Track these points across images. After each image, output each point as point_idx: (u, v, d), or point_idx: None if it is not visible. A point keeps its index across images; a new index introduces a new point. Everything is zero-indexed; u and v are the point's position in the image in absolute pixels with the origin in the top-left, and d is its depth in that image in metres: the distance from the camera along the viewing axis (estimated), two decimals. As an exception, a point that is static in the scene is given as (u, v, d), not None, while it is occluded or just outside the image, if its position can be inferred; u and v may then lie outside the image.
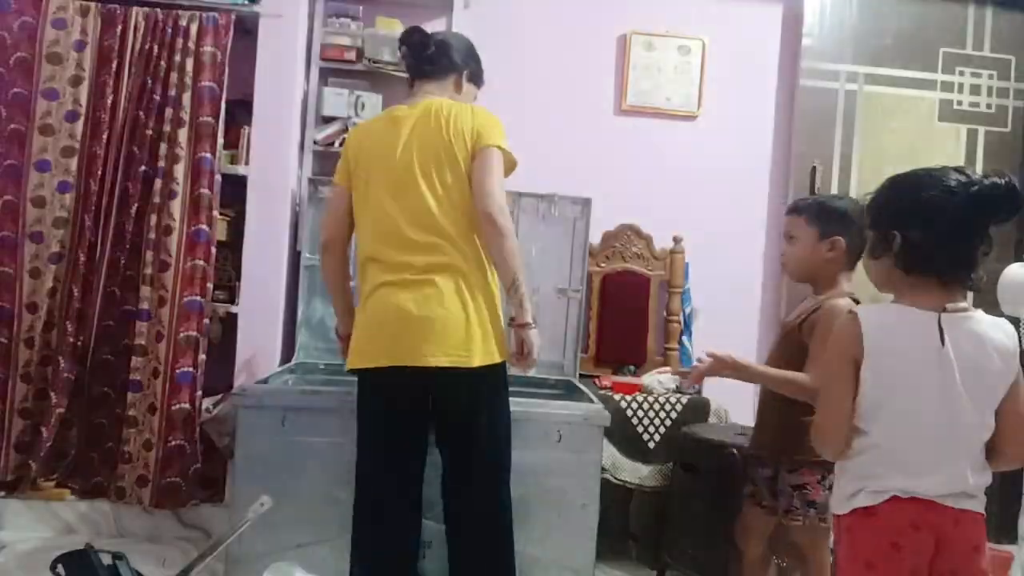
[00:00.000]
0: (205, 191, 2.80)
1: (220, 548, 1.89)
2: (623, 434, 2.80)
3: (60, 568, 1.85)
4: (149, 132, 2.80)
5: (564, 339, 2.99)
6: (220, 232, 2.89)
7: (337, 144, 3.09)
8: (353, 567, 2.01)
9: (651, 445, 2.81)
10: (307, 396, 2.29)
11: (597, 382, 3.05)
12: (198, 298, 2.79)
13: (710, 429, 2.72)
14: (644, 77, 3.38)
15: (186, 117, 2.80)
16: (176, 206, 2.78)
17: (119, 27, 2.79)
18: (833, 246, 1.95)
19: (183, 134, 2.79)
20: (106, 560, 1.86)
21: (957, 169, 1.39)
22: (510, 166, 2.02)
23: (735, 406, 3.09)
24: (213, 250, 2.82)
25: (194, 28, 2.80)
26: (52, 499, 2.77)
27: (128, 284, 2.83)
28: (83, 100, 2.80)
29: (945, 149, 3.40)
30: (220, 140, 2.83)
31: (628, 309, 3.28)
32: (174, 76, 2.79)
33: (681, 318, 3.29)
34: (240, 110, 2.97)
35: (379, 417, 2.00)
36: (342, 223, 2.10)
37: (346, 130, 3.08)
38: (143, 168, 2.79)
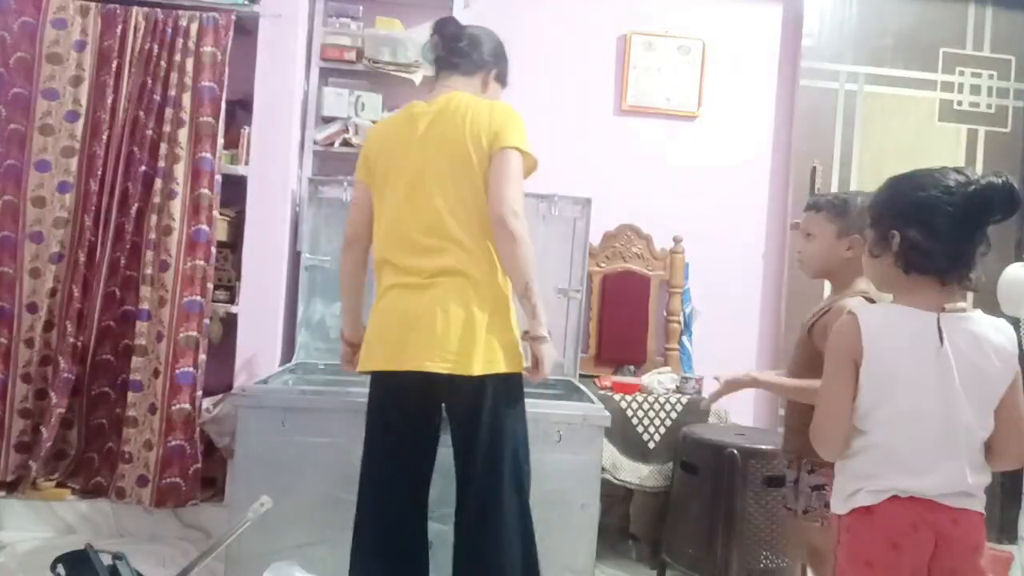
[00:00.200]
0: (205, 191, 2.80)
1: (220, 548, 1.89)
2: (623, 434, 2.80)
3: (60, 568, 1.85)
4: (149, 132, 2.80)
5: (564, 339, 2.98)
6: (220, 232, 2.89)
7: (337, 144, 3.09)
8: (353, 568, 1.98)
9: (651, 445, 2.81)
10: (307, 396, 2.29)
11: (597, 382, 3.05)
12: (198, 298, 2.79)
13: (710, 429, 2.72)
14: (644, 77, 3.38)
15: (186, 117, 2.80)
16: (176, 206, 2.78)
17: (119, 27, 2.79)
18: (852, 245, 1.91)
19: (183, 134, 2.80)
20: (106, 560, 1.85)
21: (956, 169, 1.40)
22: (530, 167, 1.93)
23: (735, 406, 3.09)
24: (213, 250, 2.82)
25: (194, 28, 2.80)
26: (52, 499, 2.77)
27: (128, 284, 2.83)
28: (83, 100, 2.80)
29: (945, 149, 3.40)
30: (220, 140, 2.83)
31: (628, 309, 3.28)
32: (174, 76, 2.79)
33: (681, 318, 3.29)
34: (240, 110, 2.98)
35: (386, 419, 1.97)
36: (363, 221, 2.03)
37: (346, 130, 3.08)
38: (143, 168, 2.80)
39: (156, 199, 2.79)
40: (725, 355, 3.37)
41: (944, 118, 3.42)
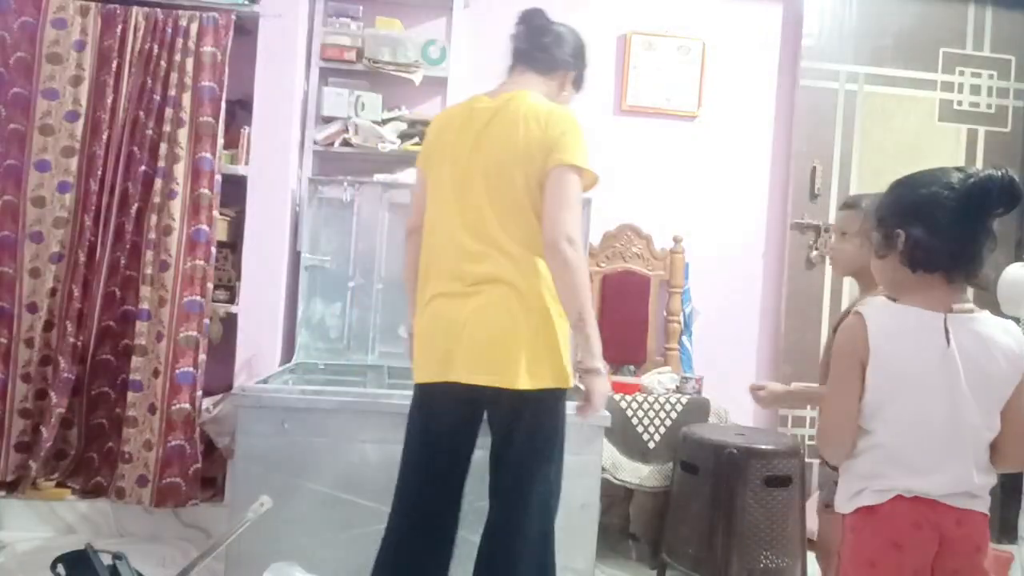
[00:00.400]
0: (205, 191, 2.80)
1: (220, 548, 1.89)
2: (623, 434, 2.80)
3: (60, 568, 1.85)
4: (149, 132, 2.80)
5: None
6: (220, 232, 2.89)
7: (337, 144, 3.09)
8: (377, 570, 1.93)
9: (651, 445, 2.81)
10: (307, 396, 2.29)
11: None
12: (198, 298, 2.79)
13: (710, 429, 2.72)
14: (644, 77, 3.38)
15: (186, 117, 2.80)
16: (176, 206, 2.78)
17: (119, 27, 2.79)
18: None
19: (183, 134, 2.79)
20: (106, 560, 1.85)
21: (958, 168, 1.40)
22: (589, 183, 1.82)
23: (735, 406, 3.09)
24: (213, 250, 2.82)
25: (194, 28, 2.80)
26: (52, 499, 2.77)
27: (128, 284, 2.83)
28: (83, 100, 2.80)
29: (945, 149, 3.40)
30: (220, 140, 2.83)
31: (628, 309, 3.28)
32: (174, 76, 2.79)
33: (681, 318, 3.29)
34: (240, 110, 2.98)
35: (425, 430, 1.90)
36: (422, 210, 1.94)
37: (346, 130, 3.08)
38: (143, 168, 2.80)
39: (156, 199, 2.79)
40: (725, 355, 3.38)
41: (944, 118, 3.42)
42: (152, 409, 2.76)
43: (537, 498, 1.81)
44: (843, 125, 3.39)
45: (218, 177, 2.83)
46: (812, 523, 2.30)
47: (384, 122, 3.11)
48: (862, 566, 1.39)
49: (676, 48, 3.39)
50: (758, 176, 3.47)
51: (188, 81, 2.79)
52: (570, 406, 1.89)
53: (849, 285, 3.35)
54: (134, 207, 2.80)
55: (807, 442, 3.30)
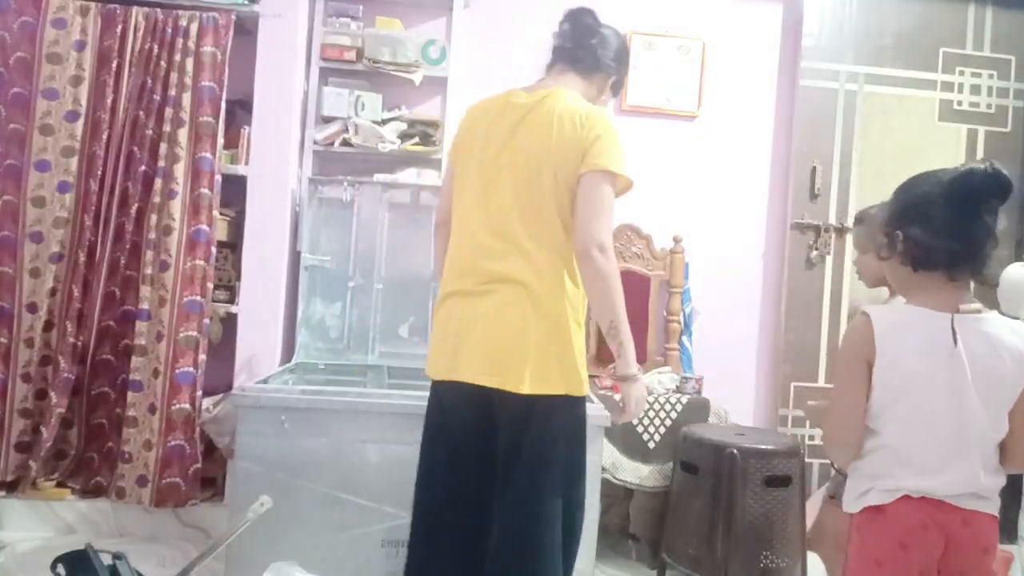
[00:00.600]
0: (205, 191, 2.80)
1: (220, 548, 1.89)
2: (623, 434, 2.80)
3: (60, 568, 1.85)
4: (149, 132, 2.80)
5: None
6: (220, 232, 2.89)
7: (337, 144, 3.09)
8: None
9: (651, 445, 2.81)
10: (307, 396, 2.29)
11: (597, 382, 3.05)
12: (198, 298, 2.79)
13: (710, 429, 2.72)
14: (644, 77, 3.38)
15: (186, 117, 2.80)
16: (176, 206, 2.78)
17: (119, 27, 2.79)
18: None
19: (183, 134, 2.80)
20: (106, 560, 1.85)
21: (955, 168, 1.40)
22: (622, 188, 1.77)
23: (735, 406, 3.10)
24: (213, 250, 2.82)
25: (194, 28, 2.80)
26: (52, 499, 2.77)
27: (128, 284, 2.83)
28: (83, 100, 2.80)
29: (945, 149, 3.40)
30: (220, 140, 2.83)
31: (628, 309, 3.23)
32: (174, 76, 2.79)
33: (681, 318, 3.29)
34: (240, 110, 2.98)
35: (439, 431, 1.86)
36: (451, 204, 1.89)
37: (346, 130, 3.08)
38: (143, 168, 2.80)
39: (156, 199, 2.79)
40: (725, 355, 3.38)
41: (944, 118, 3.42)
42: (152, 409, 2.76)
43: (551, 516, 1.72)
44: (843, 125, 3.39)
45: (218, 177, 2.83)
46: (812, 523, 2.30)
47: (384, 122, 3.11)
48: (868, 565, 1.39)
49: (676, 48, 3.39)
50: (758, 176, 3.47)
51: (188, 81, 2.79)
52: (592, 409, 1.84)
53: (849, 286, 3.35)
54: (134, 207, 2.80)
55: (807, 442, 3.30)
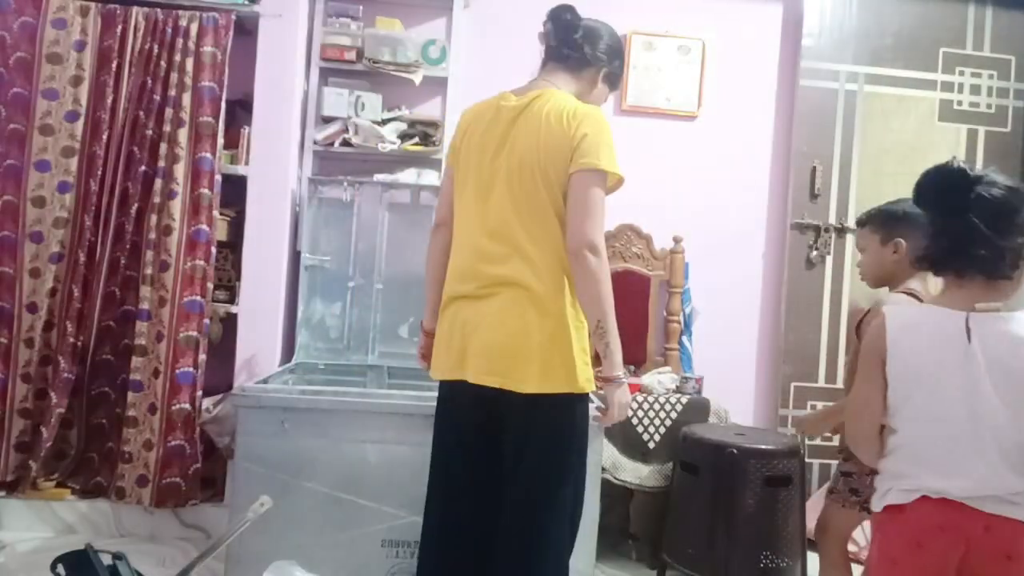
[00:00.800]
0: (205, 191, 2.80)
1: (220, 548, 1.89)
2: (623, 434, 2.80)
3: (60, 568, 1.85)
4: (149, 132, 2.80)
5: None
6: (220, 232, 2.89)
7: (337, 144, 3.09)
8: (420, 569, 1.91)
9: (651, 445, 2.81)
10: (307, 396, 2.29)
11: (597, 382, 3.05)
12: (198, 298, 2.79)
13: (710, 429, 2.72)
14: (644, 77, 3.38)
15: (186, 117, 2.80)
16: (176, 206, 2.78)
17: (119, 27, 2.79)
18: (896, 248, 2.00)
19: (183, 134, 2.80)
20: (106, 560, 1.85)
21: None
22: (614, 185, 1.78)
23: (735, 406, 3.10)
24: (213, 250, 2.83)
25: (194, 28, 2.80)
26: (52, 499, 2.77)
27: (128, 284, 2.83)
28: (83, 100, 2.80)
29: (945, 149, 3.39)
30: (220, 140, 2.83)
31: (628, 309, 3.26)
32: (174, 76, 2.79)
33: (681, 318, 3.29)
34: (240, 110, 2.98)
35: (452, 421, 1.88)
36: (448, 205, 1.90)
37: (346, 130, 3.08)
38: (143, 168, 2.80)
39: (156, 199, 2.79)
40: (725, 355, 3.37)
41: (944, 118, 3.42)
42: (152, 409, 2.76)
43: (554, 516, 1.75)
44: (843, 125, 3.39)
45: (218, 177, 2.83)
46: (812, 523, 2.31)
47: (384, 122, 3.11)
48: (885, 564, 1.40)
49: (676, 48, 3.39)
50: (758, 176, 3.47)
51: (188, 81, 2.79)
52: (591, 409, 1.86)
53: (849, 286, 3.35)
54: (134, 207, 2.80)
55: (807, 442, 3.30)
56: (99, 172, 2.78)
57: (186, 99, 2.79)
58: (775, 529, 2.46)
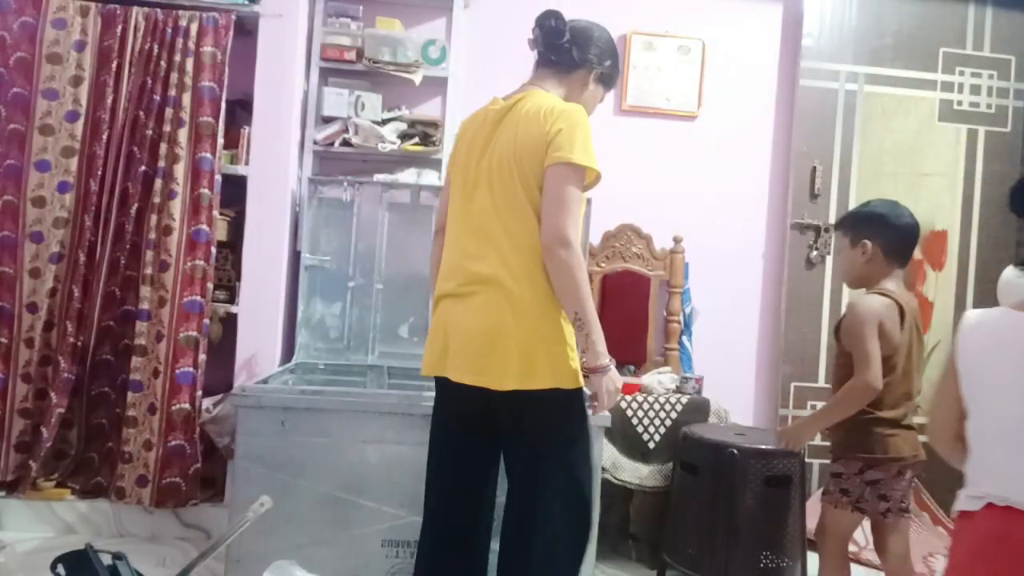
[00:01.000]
0: (205, 191, 2.80)
1: (220, 548, 1.89)
2: (623, 434, 2.80)
3: (60, 568, 1.85)
4: (149, 132, 2.80)
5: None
6: (220, 232, 2.89)
7: (337, 144, 3.09)
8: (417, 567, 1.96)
9: (651, 445, 2.81)
10: (307, 396, 2.29)
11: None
12: (198, 298, 2.79)
13: (710, 429, 2.72)
14: (644, 77, 3.38)
15: (186, 117, 2.80)
16: (176, 206, 2.78)
17: (119, 27, 2.79)
18: (864, 249, 2.05)
19: (183, 134, 2.80)
20: (106, 560, 1.85)
21: None
22: (590, 181, 1.76)
23: (735, 406, 3.10)
24: (213, 250, 2.83)
25: (194, 28, 2.80)
26: (52, 499, 2.77)
27: (128, 284, 2.83)
28: (83, 100, 2.80)
29: (945, 149, 3.39)
30: (220, 140, 2.83)
31: (628, 309, 3.28)
32: (174, 76, 2.79)
33: (681, 318, 3.29)
34: (240, 110, 2.98)
35: (436, 426, 1.93)
36: (447, 212, 1.94)
37: (346, 130, 3.08)
38: (143, 168, 2.80)
39: (156, 199, 2.79)
40: (725, 355, 3.38)
41: (944, 118, 3.42)
42: (152, 409, 2.76)
43: (556, 508, 1.76)
44: (843, 125, 3.39)
45: (218, 177, 2.83)
46: (812, 523, 2.31)
47: (384, 122, 3.11)
48: (951, 569, 1.39)
49: (676, 48, 3.39)
50: (758, 176, 3.47)
51: (188, 81, 2.79)
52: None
53: (849, 285, 3.35)
54: (134, 207, 2.80)
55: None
56: (99, 172, 2.78)
57: (186, 99, 2.79)
58: (775, 529, 2.46)
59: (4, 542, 2.63)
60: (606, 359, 1.73)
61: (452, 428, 1.90)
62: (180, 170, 2.79)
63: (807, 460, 2.87)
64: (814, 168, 3.38)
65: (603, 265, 3.31)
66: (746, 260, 3.45)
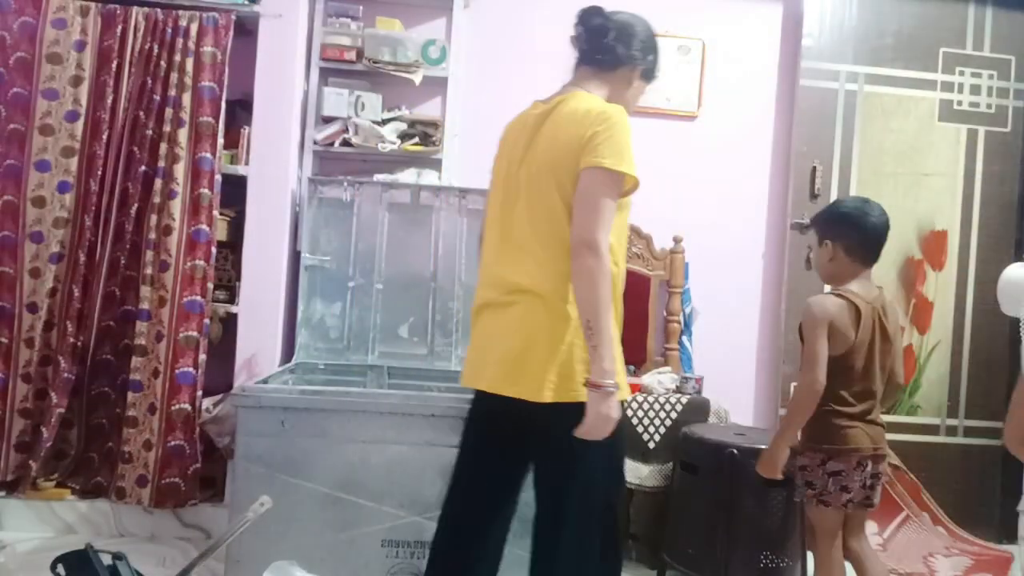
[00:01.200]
0: (205, 191, 2.80)
1: (220, 548, 1.89)
2: (623, 434, 2.80)
3: (60, 568, 1.85)
4: (149, 132, 2.80)
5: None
6: (220, 232, 2.89)
7: (337, 144, 3.09)
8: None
9: (651, 445, 2.81)
10: (307, 396, 2.29)
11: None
12: (198, 298, 2.79)
13: (710, 429, 2.72)
14: (644, 77, 3.38)
15: (186, 117, 2.80)
16: (176, 206, 2.78)
17: (119, 27, 2.79)
18: (827, 249, 2.08)
19: (183, 134, 2.80)
20: (106, 560, 1.85)
21: None
22: (629, 187, 1.69)
23: (735, 406, 3.10)
24: (213, 250, 2.83)
25: (194, 28, 2.80)
26: (52, 499, 2.77)
27: (128, 284, 2.83)
28: (83, 100, 2.80)
29: (945, 149, 3.39)
30: (220, 140, 2.83)
31: (628, 309, 3.24)
32: (174, 76, 2.80)
33: (681, 318, 3.29)
34: (240, 110, 2.98)
35: (466, 435, 1.89)
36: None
37: (346, 130, 3.08)
38: (143, 168, 2.80)
39: (156, 199, 2.79)
40: (725, 355, 3.38)
41: (944, 118, 3.42)
42: (152, 409, 2.76)
43: (580, 524, 1.71)
44: (843, 125, 3.39)
45: (218, 177, 2.83)
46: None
47: (384, 122, 3.11)
48: None
49: (676, 48, 3.39)
50: (758, 176, 3.47)
51: (188, 81, 2.79)
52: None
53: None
54: (134, 207, 2.80)
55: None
56: (99, 172, 2.78)
57: (186, 99, 2.79)
58: (775, 529, 2.46)
59: (4, 542, 2.63)
60: (611, 380, 1.58)
61: (482, 438, 1.85)
62: (180, 170, 2.79)
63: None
64: (814, 168, 3.38)
65: (603, 265, 3.30)
66: (746, 260, 3.45)
